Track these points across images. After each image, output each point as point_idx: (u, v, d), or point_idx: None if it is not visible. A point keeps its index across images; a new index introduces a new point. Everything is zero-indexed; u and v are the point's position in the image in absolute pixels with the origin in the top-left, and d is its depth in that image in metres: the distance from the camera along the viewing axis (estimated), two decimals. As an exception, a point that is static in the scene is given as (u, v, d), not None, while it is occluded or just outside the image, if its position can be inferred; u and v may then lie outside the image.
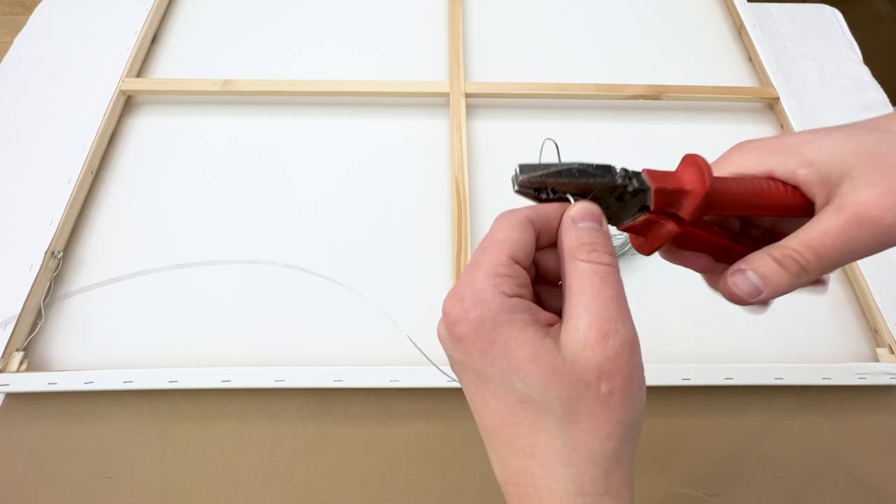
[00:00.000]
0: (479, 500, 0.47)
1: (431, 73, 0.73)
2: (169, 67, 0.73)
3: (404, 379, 0.49)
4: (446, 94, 0.68)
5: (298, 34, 0.77)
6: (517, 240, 0.23)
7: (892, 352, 0.53)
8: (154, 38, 0.75)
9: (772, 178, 0.26)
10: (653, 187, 0.24)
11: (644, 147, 0.67)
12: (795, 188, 0.26)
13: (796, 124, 0.67)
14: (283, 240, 0.59)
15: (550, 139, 0.27)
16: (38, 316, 0.53)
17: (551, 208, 0.25)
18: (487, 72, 0.74)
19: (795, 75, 0.76)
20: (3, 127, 0.68)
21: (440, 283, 0.57)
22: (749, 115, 0.71)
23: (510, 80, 0.70)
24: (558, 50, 0.77)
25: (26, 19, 0.78)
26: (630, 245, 0.28)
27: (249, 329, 0.54)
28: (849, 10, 0.86)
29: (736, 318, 0.47)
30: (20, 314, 0.51)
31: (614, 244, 0.24)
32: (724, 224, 0.30)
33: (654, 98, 0.69)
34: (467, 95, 0.67)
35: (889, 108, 0.74)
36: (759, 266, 0.25)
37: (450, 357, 0.24)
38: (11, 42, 0.75)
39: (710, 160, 0.27)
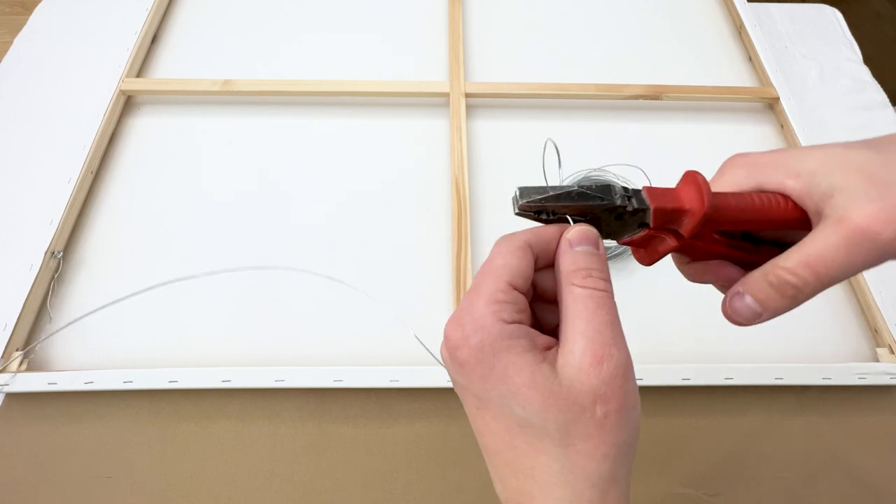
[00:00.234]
0: (479, 500, 0.47)
1: (431, 73, 0.73)
2: (169, 67, 0.73)
3: (404, 379, 0.49)
4: (446, 94, 0.68)
5: (298, 34, 0.77)
6: (516, 266, 0.24)
7: (892, 352, 0.53)
8: (154, 38, 0.75)
9: (771, 193, 0.26)
10: (652, 207, 0.25)
11: (644, 147, 0.67)
12: (794, 202, 0.26)
13: (796, 124, 0.67)
14: (283, 240, 0.59)
15: (551, 140, 0.27)
16: (45, 317, 0.53)
17: (550, 231, 0.25)
18: (487, 72, 0.74)
19: (795, 75, 0.76)
20: (3, 127, 0.68)
21: (440, 283, 0.57)
22: (749, 115, 0.71)
23: (510, 80, 0.70)
24: (558, 50, 0.77)
25: (26, 19, 0.78)
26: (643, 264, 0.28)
27: (249, 329, 0.54)
28: (849, 10, 0.86)
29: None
30: (20, 314, 0.51)
31: (614, 249, 0.25)
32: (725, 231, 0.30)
33: (654, 98, 0.69)
34: (467, 95, 0.67)
35: (889, 108, 0.74)
36: (755, 291, 0.26)
37: (453, 380, 0.25)
38: (11, 42, 0.75)
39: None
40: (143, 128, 0.67)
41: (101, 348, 0.52)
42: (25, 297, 0.52)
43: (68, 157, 0.60)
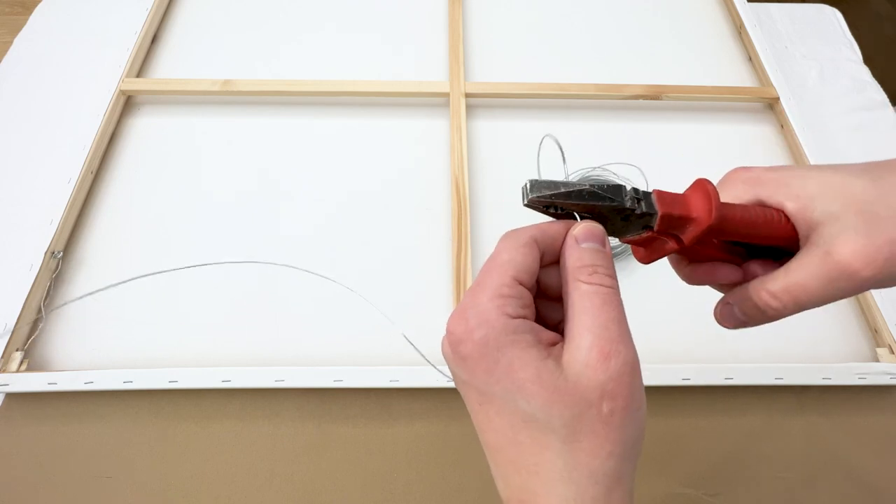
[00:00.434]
0: (479, 500, 0.47)
1: (431, 73, 0.73)
2: (169, 67, 0.73)
3: (404, 379, 0.49)
4: (446, 94, 0.68)
5: (298, 34, 0.77)
6: (521, 262, 0.24)
7: (892, 352, 0.53)
8: (154, 38, 0.75)
9: (772, 209, 0.27)
10: (659, 213, 0.25)
11: (644, 147, 0.67)
12: (791, 222, 0.27)
13: (796, 124, 0.67)
14: (283, 240, 0.59)
15: (549, 135, 0.27)
16: (39, 317, 0.53)
17: (556, 228, 0.25)
18: (487, 72, 0.74)
19: (795, 75, 0.76)
20: (3, 127, 0.68)
21: (440, 283, 0.57)
22: (749, 115, 0.71)
23: (510, 80, 0.70)
24: (558, 50, 0.77)
25: (26, 19, 0.78)
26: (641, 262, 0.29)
27: (249, 329, 0.54)
28: (849, 10, 0.86)
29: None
30: (20, 314, 0.51)
31: (615, 248, 0.25)
32: None
33: (654, 98, 0.69)
34: (467, 95, 0.67)
35: (889, 108, 0.74)
36: (742, 306, 0.28)
37: (454, 375, 0.25)
38: (11, 42, 0.75)
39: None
40: (143, 128, 0.67)
41: (101, 348, 0.52)
42: (25, 297, 0.52)
43: (68, 157, 0.60)
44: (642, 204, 0.25)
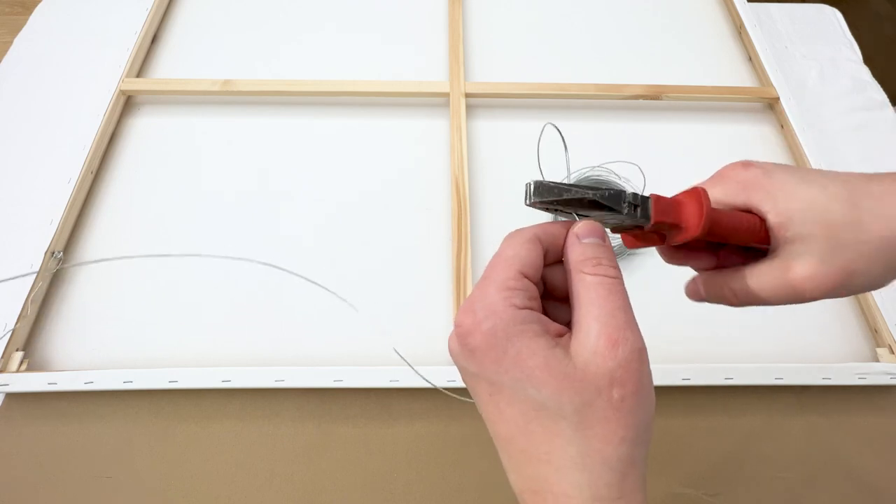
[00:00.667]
0: (479, 500, 0.47)
1: (431, 73, 0.73)
2: (169, 67, 0.73)
3: (404, 379, 0.49)
4: (446, 94, 0.68)
5: (298, 34, 0.77)
6: (526, 256, 0.24)
7: (892, 352, 0.53)
8: (154, 38, 0.75)
9: (756, 216, 0.28)
10: (653, 220, 0.26)
11: (644, 147, 0.67)
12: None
13: (796, 124, 0.67)
14: (282, 239, 0.59)
15: (550, 123, 0.27)
16: (45, 317, 0.53)
17: (557, 227, 0.26)
18: (487, 72, 0.74)
19: (795, 75, 0.76)
20: (3, 127, 0.68)
21: (440, 283, 0.57)
22: (749, 115, 0.71)
23: (510, 80, 0.70)
24: (558, 50, 0.77)
25: (26, 19, 0.78)
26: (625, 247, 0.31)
27: (249, 329, 0.54)
28: (849, 10, 0.86)
29: (736, 318, 0.47)
30: (20, 314, 0.51)
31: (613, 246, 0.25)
32: None
33: (654, 98, 0.69)
34: (467, 95, 0.67)
35: (889, 108, 0.74)
36: (707, 289, 0.31)
37: (461, 369, 0.25)
38: (11, 42, 0.75)
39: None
40: (143, 128, 0.67)
41: (101, 348, 0.52)
42: (25, 297, 0.52)
43: (68, 157, 0.60)
44: (638, 210, 0.26)
